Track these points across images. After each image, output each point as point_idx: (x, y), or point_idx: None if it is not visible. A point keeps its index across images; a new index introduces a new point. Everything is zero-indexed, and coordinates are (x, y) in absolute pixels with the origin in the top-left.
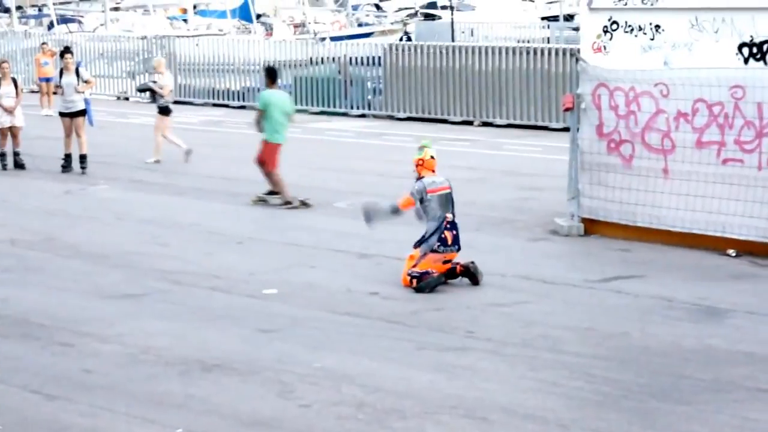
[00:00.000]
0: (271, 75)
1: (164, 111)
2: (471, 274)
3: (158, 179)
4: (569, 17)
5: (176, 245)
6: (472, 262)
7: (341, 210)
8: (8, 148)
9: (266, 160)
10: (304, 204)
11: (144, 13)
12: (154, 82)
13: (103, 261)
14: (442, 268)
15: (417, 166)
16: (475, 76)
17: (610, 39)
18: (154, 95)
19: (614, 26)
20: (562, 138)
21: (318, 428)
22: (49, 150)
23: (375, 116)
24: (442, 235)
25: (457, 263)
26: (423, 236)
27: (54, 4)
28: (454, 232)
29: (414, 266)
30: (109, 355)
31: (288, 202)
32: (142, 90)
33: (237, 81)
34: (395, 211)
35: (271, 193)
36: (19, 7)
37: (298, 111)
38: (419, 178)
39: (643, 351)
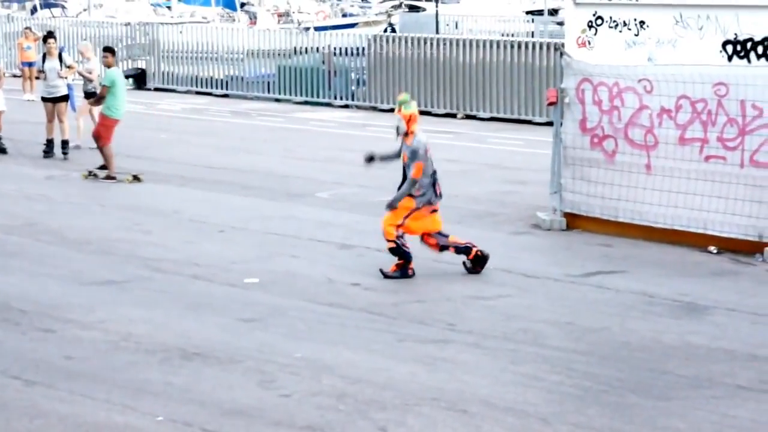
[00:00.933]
0: (113, 52)
1: (90, 96)
2: (482, 262)
3: (141, 166)
4: (554, 11)
5: (158, 233)
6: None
7: (323, 200)
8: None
9: (102, 135)
10: (136, 178)
11: (128, 0)
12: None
13: (85, 247)
14: (432, 242)
15: (409, 120)
16: (459, 68)
17: (595, 34)
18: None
19: (599, 21)
20: (545, 132)
21: (298, 418)
22: (31, 135)
23: (358, 107)
24: (436, 189)
25: (477, 248)
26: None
27: None
28: (438, 182)
29: (401, 225)
30: (89, 341)
31: (112, 177)
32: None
33: (220, 69)
34: (412, 184)
35: (102, 167)
36: None
37: (282, 100)
38: (408, 133)
39: (624, 346)
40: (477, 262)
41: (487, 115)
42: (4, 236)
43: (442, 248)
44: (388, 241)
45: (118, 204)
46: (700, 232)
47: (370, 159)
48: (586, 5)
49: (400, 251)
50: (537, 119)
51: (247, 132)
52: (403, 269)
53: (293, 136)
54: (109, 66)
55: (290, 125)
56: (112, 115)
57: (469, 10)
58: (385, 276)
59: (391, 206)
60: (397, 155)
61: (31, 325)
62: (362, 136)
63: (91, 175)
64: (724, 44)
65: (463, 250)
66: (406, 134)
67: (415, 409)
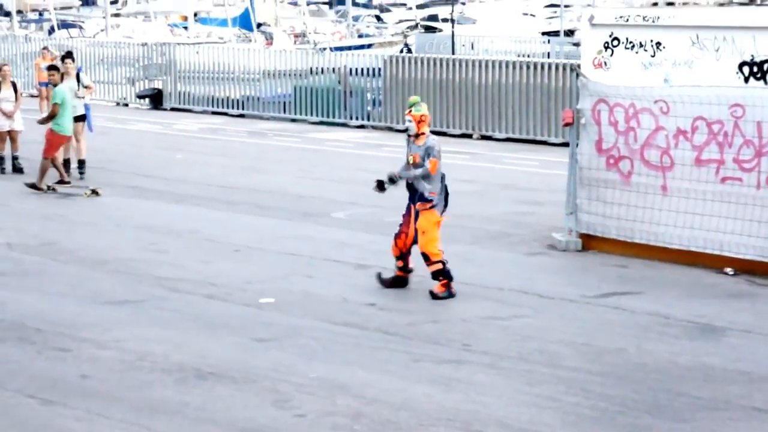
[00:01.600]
0: (58, 69)
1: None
2: (397, 284)
3: (157, 186)
4: (570, 32)
5: (174, 252)
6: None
7: (339, 220)
8: (7, 152)
9: (49, 149)
10: (95, 192)
11: (145, 20)
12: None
13: (101, 267)
14: (400, 245)
15: (420, 122)
16: (475, 89)
17: (611, 55)
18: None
19: (615, 42)
20: (561, 153)
21: None
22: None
23: (374, 127)
24: (447, 198)
25: (407, 275)
26: (422, 197)
27: (55, 8)
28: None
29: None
30: (105, 360)
31: (35, 186)
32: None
33: (237, 89)
34: (425, 176)
35: (60, 182)
36: (19, 12)
37: (298, 120)
38: (418, 135)
39: (640, 367)
40: (395, 282)
41: (503, 135)
42: (21, 255)
43: (402, 257)
44: (436, 262)
45: (135, 224)
46: (717, 253)
47: (381, 185)
48: (603, 26)
49: (444, 271)
50: (553, 140)
51: (262, 152)
52: (449, 288)
53: (309, 156)
54: (56, 84)
55: (306, 145)
56: (61, 131)
57: (485, 31)
58: (435, 297)
59: (392, 179)
60: (400, 177)
61: (47, 344)
62: (378, 157)
63: (91, 193)
64: (741, 66)
65: (406, 269)
66: (417, 136)
67: (430, 429)
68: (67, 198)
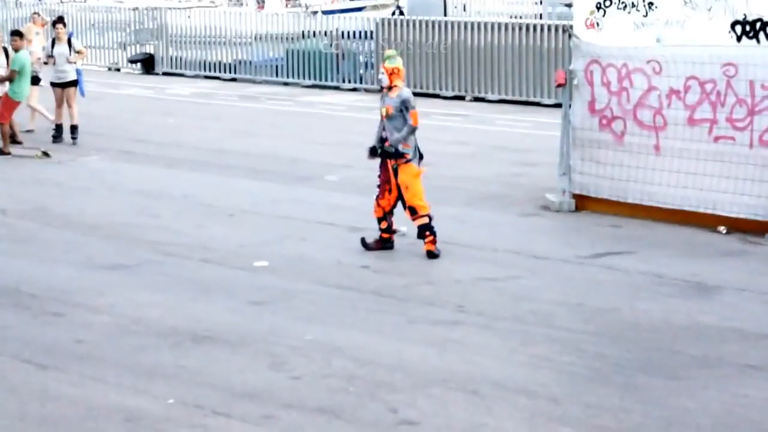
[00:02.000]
0: (22, 36)
1: (33, 80)
2: (383, 245)
3: (149, 151)
4: None
5: (167, 217)
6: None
7: (332, 183)
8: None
9: (4, 114)
10: (45, 154)
11: None
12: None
13: (94, 232)
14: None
15: (392, 74)
16: (467, 51)
17: (603, 15)
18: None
19: (607, 3)
20: (554, 114)
21: (309, 400)
22: (40, 120)
23: (367, 90)
24: (419, 150)
25: (392, 236)
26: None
27: None
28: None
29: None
30: (100, 325)
31: (6, 153)
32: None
33: (229, 53)
34: (413, 131)
35: (14, 141)
36: None
37: (291, 84)
38: (391, 87)
39: (634, 327)
40: (382, 243)
41: (496, 97)
42: (15, 221)
43: (385, 217)
44: (423, 215)
45: (128, 188)
46: (710, 212)
47: (374, 152)
48: None
49: (431, 226)
50: (546, 101)
51: (255, 116)
52: (435, 243)
53: (302, 120)
54: (17, 50)
55: (298, 109)
56: (16, 98)
57: None
58: (433, 256)
59: (387, 153)
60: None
61: (42, 309)
62: (371, 119)
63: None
64: (733, 25)
65: (390, 229)
66: (390, 88)
67: (425, 390)
68: (61, 164)
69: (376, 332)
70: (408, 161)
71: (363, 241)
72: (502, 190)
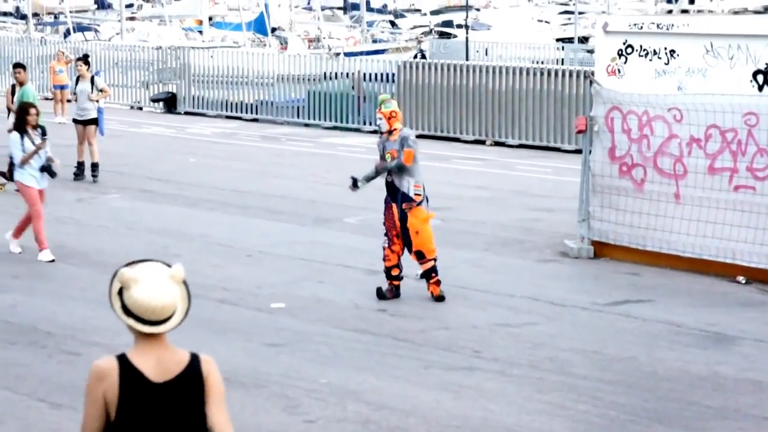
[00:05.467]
0: (24, 67)
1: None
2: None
3: (169, 190)
4: (584, 39)
5: (186, 256)
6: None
7: (351, 225)
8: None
9: None
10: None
11: (160, 24)
12: None
13: (113, 270)
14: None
15: (390, 117)
16: (489, 95)
17: (625, 62)
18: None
19: (629, 50)
20: (574, 160)
21: None
22: (61, 157)
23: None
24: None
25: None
26: (406, 196)
27: (71, 12)
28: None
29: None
30: None
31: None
32: None
33: (250, 94)
34: (401, 168)
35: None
36: (35, 14)
37: (312, 125)
38: (391, 131)
39: (651, 376)
40: (395, 292)
41: (516, 142)
42: (33, 258)
43: (398, 264)
44: (431, 259)
45: (147, 227)
46: (729, 261)
47: (355, 183)
48: (617, 33)
49: (435, 269)
50: (566, 147)
51: (275, 157)
52: (439, 285)
53: (322, 161)
54: (23, 83)
55: (319, 150)
56: None
57: (499, 37)
58: (441, 299)
59: (356, 182)
60: (376, 173)
61: (58, 348)
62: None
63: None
64: (755, 74)
65: (400, 276)
66: (390, 132)
67: None
68: (81, 201)
69: (391, 376)
70: (418, 204)
71: (379, 291)
72: (521, 235)
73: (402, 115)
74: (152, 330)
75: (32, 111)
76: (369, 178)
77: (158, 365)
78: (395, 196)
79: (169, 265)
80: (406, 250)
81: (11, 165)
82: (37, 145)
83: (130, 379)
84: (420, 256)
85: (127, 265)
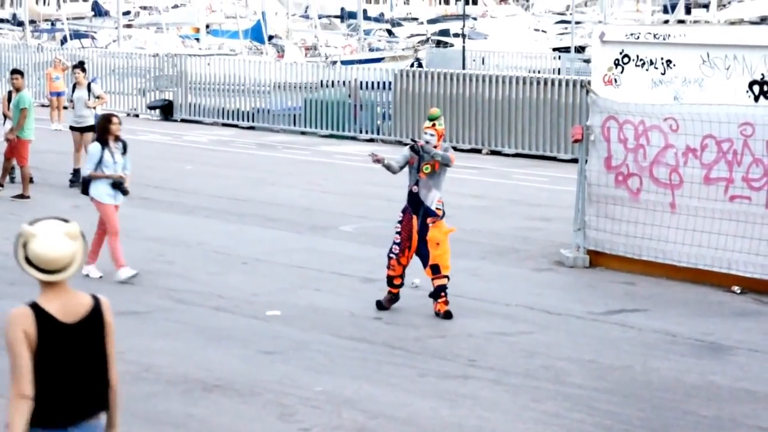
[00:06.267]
0: (22, 74)
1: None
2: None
3: (166, 197)
4: (580, 49)
5: (182, 264)
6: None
7: (347, 233)
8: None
9: (22, 156)
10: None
11: (157, 31)
12: None
13: (108, 277)
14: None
15: (441, 136)
16: (485, 104)
17: (621, 72)
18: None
19: (626, 59)
20: (570, 169)
21: None
22: (57, 164)
23: (384, 141)
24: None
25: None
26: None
27: (67, 19)
28: None
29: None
30: None
31: (22, 197)
32: None
33: (247, 101)
34: (446, 164)
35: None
36: (32, 21)
37: (308, 133)
38: (435, 147)
39: (646, 385)
40: (393, 300)
41: (512, 151)
42: None
43: (402, 274)
44: (445, 276)
45: (143, 235)
46: (724, 271)
47: (378, 160)
48: (614, 43)
49: (446, 287)
50: (562, 156)
51: (272, 164)
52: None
53: (318, 169)
54: (19, 89)
55: (315, 158)
56: (27, 136)
57: (496, 47)
58: (450, 316)
59: (415, 149)
60: (401, 168)
61: None
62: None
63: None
64: (751, 84)
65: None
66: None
67: None
68: (77, 208)
69: (386, 385)
70: (441, 218)
71: (378, 303)
72: (517, 244)
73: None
74: (50, 278)
75: (115, 121)
76: (389, 166)
77: (64, 308)
78: (418, 208)
79: (66, 221)
80: (417, 264)
81: (89, 178)
82: (113, 177)
83: (44, 321)
84: (435, 271)
85: (30, 222)
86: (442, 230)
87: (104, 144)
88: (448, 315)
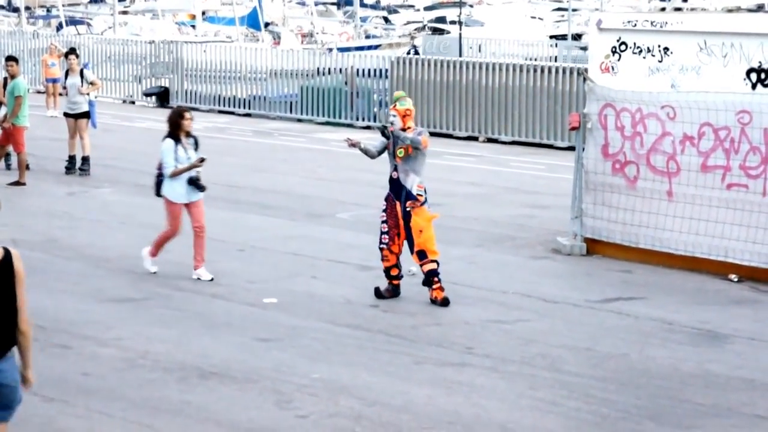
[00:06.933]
0: (17, 60)
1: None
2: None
3: None
4: (577, 36)
5: (178, 251)
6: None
7: (344, 221)
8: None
9: (18, 142)
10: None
11: (153, 18)
12: None
13: (105, 264)
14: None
15: (405, 116)
16: (482, 91)
17: (619, 59)
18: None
19: (623, 47)
20: (567, 157)
21: None
22: (53, 151)
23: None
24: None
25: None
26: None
27: (63, 5)
28: None
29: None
30: (107, 358)
31: (18, 183)
32: None
33: (243, 88)
34: (415, 147)
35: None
36: (27, 8)
37: (304, 120)
38: (404, 129)
39: (643, 373)
40: (395, 291)
41: (509, 138)
42: (25, 252)
43: (397, 264)
44: (433, 260)
45: (139, 221)
46: (721, 259)
47: (353, 144)
48: (611, 31)
49: (438, 271)
50: (559, 144)
51: (268, 152)
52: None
53: (314, 157)
54: (14, 75)
55: (312, 145)
56: (23, 123)
57: (492, 34)
58: (447, 303)
59: (384, 133)
60: (379, 153)
61: (49, 341)
62: (383, 158)
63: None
64: (749, 72)
65: (399, 276)
66: (403, 131)
67: None
68: (72, 195)
69: (383, 372)
70: (422, 204)
71: (377, 291)
72: (513, 232)
73: (414, 113)
74: None
75: (187, 116)
76: (366, 150)
77: None
78: (399, 193)
79: None
80: (407, 249)
81: (160, 176)
82: (192, 163)
83: None
84: (422, 256)
85: None
86: (424, 217)
87: (177, 140)
88: (445, 302)
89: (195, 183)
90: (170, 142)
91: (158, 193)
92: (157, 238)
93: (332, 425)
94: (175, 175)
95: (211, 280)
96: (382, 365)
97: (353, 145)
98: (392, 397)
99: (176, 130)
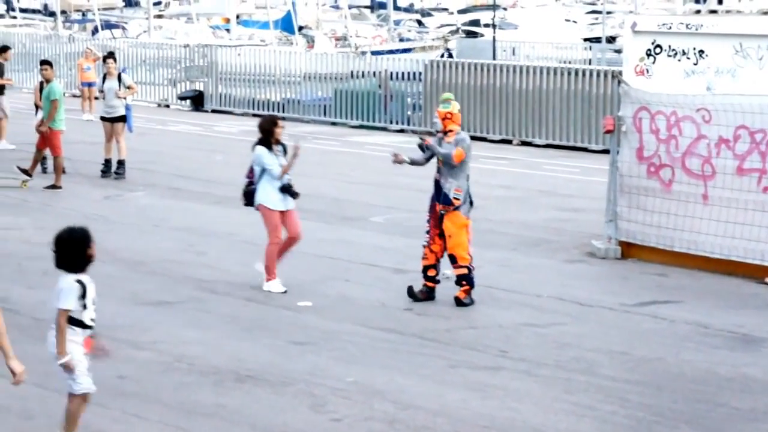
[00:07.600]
0: (51, 64)
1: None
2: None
3: (196, 187)
4: (611, 39)
5: (213, 254)
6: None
7: (377, 224)
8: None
9: (55, 146)
10: (25, 183)
11: (187, 22)
12: None
13: (140, 267)
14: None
15: (445, 119)
16: (516, 95)
17: (653, 62)
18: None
19: (658, 50)
20: (601, 160)
21: None
22: (89, 155)
23: (414, 132)
24: (471, 198)
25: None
26: (446, 198)
27: (99, 9)
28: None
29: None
30: (142, 362)
31: (54, 187)
32: None
33: (277, 92)
34: (446, 162)
35: (24, 170)
36: (63, 12)
37: (338, 124)
38: (446, 132)
39: (678, 377)
40: (429, 294)
41: (543, 141)
42: None
43: (435, 265)
44: (462, 266)
45: (174, 225)
46: (757, 263)
47: (399, 162)
48: (645, 33)
49: (469, 277)
50: (593, 147)
51: (302, 155)
52: (470, 295)
53: (348, 160)
54: (49, 80)
55: (345, 149)
56: (59, 126)
57: (526, 37)
58: (460, 304)
59: (420, 147)
60: (427, 160)
61: None
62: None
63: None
64: None
65: (436, 279)
66: (445, 133)
67: None
68: (108, 199)
69: (417, 376)
70: (456, 209)
71: (410, 290)
72: (548, 235)
73: (460, 118)
74: None
75: (280, 124)
76: (413, 160)
77: None
78: (439, 196)
79: None
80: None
81: (250, 184)
82: (284, 166)
83: None
84: (453, 260)
85: None
86: (456, 222)
87: (269, 147)
88: (457, 301)
89: (288, 190)
90: (263, 148)
91: (249, 203)
92: (266, 261)
93: (366, 428)
94: (285, 172)
95: (283, 292)
96: (417, 368)
97: (400, 162)
98: (426, 400)
99: (269, 137)
